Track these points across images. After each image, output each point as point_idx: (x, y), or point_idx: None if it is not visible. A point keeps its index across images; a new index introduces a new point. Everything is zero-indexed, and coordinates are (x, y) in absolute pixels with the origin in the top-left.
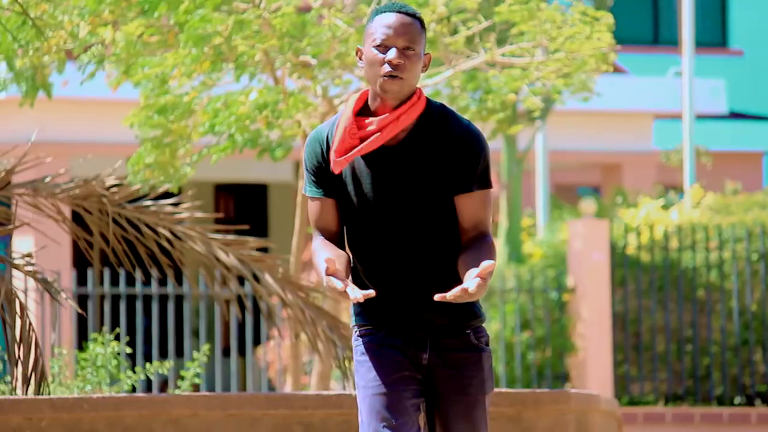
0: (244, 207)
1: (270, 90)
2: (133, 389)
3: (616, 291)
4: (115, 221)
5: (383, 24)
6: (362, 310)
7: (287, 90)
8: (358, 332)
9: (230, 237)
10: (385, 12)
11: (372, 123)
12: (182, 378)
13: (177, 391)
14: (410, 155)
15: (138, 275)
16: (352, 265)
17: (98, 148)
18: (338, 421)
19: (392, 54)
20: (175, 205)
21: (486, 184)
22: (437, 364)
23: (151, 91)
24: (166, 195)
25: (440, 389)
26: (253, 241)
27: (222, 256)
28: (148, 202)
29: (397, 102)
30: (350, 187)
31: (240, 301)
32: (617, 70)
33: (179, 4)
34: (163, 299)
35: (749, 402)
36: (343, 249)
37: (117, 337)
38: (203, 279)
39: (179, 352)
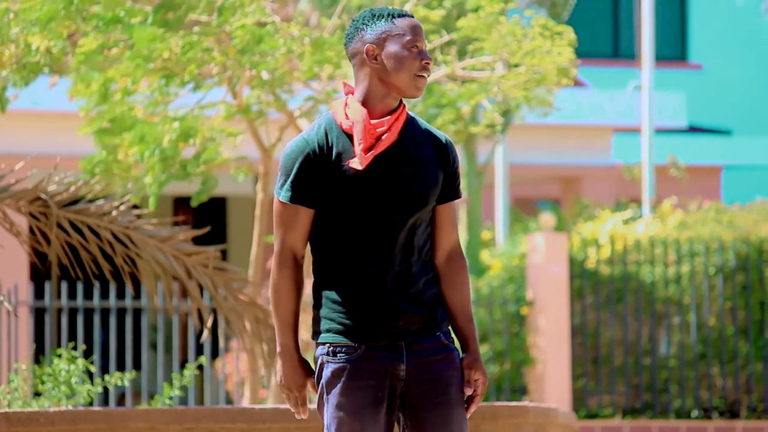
0: (203, 219)
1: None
2: (90, 403)
3: (575, 304)
4: (59, 225)
5: (410, 25)
6: (337, 323)
7: (226, 107)
8: (332, 348)
9: (166, 233)
10: (401, 15)
11: (383, 123)
12: (139, 387)
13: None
14: (406, 155)
15: (96, 288)
16: (330, 276)
17: (54, 160)
18: None
19: (426, 55)
20: (134, 209)
21: (459, 192)
22: (415, 370)
23: (94, 106)
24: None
25: (420, 395)
26: (185, 234)
27: (160, 256)
28: (92, 205)
29: (395, 102)
30: (355, 188)
31: (198, 314)
32: (577, 83)
33: (131, 21)
34: (121, 312)
35: (706, 415)
36: (301, 275)
37: (76, 351)
38: (162, 292)
39: (137, 365)
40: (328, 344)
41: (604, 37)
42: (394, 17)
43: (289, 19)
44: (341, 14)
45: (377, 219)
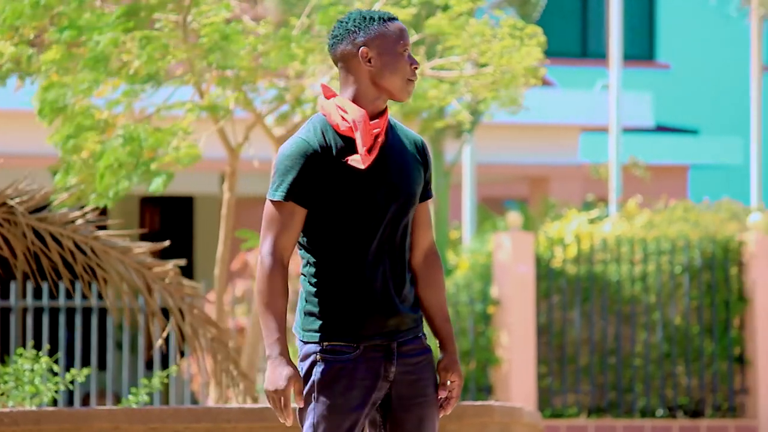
0: (169, 219)
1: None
2: (55, 402)
3: (541, 303)
4: (23, 233)
5: (400, 29)
6: (335, 322)
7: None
8: (330, 347)
9: (126, 244)
10: (390, 19)
11: (378, 124)
12: (105, 386)
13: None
14: (393, 156)
15: (62, 288)
16: (327, 276)
17: (24, 160)
18: None
19: (414, 59)
20: (98, 220)
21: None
22: (401, 372)
23: (55, 116)
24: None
25: (402, 395)
26: (145, 247)
27: (120, 267)
28: (57, 213)
29: (383, 105)
30: (355, 188)
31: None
32: (545, 83)
33: (95, 26)
34: (87, 312)
35: (671, 414)
36: (288, 277)
37: (40, 350)
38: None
39: (102, 365)
40: (324, 343)
41: (572, 37)
42: (385, 20)
43: (258, 19)
44: (310, 14)
45: (376, 219)
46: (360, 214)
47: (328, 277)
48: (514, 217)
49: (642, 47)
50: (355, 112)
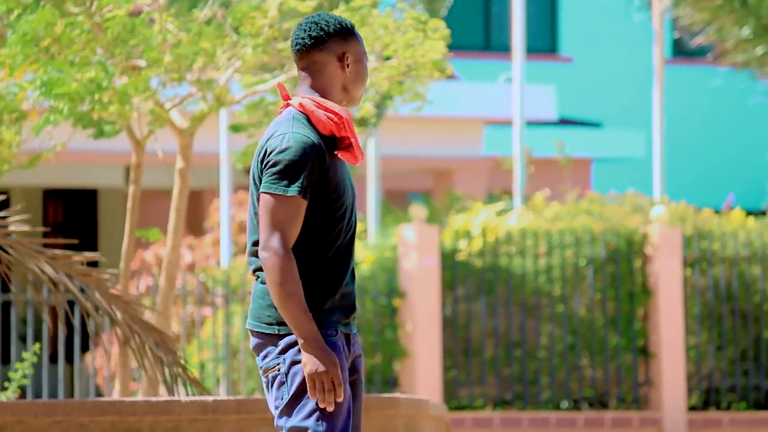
0: (73, 212)
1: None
2: None
3: (446, 296)
4: None
5: (363, 40)
6: (316, 311)
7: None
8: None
9: (58, 251)
10: (354, 26)
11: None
12: (8, 380)
13: (2, 397)
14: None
15: None
16: (307, 269)
17: None
18: (166, 428)
19: None
20: (3, 217)
21: None
22: (352, 360)
23: None
24: None
25: (350, 383)
26: (81, 256)
27: (49, 270)
28: None
29: None
30: (341, 185)
31: (69, 306)
32: (448, 76)
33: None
34: None
35: (576, 406)
36: None
37: None
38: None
39: (5, 359)
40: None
41: (475, 30)
42: (354, 29)
43: (158, 10)
44: (213, 5)
45: (348, 216)
46: (340, 211)
47: (306, 270)
48: (418, 209)
49: (544, 40)
50: (344, 111)
